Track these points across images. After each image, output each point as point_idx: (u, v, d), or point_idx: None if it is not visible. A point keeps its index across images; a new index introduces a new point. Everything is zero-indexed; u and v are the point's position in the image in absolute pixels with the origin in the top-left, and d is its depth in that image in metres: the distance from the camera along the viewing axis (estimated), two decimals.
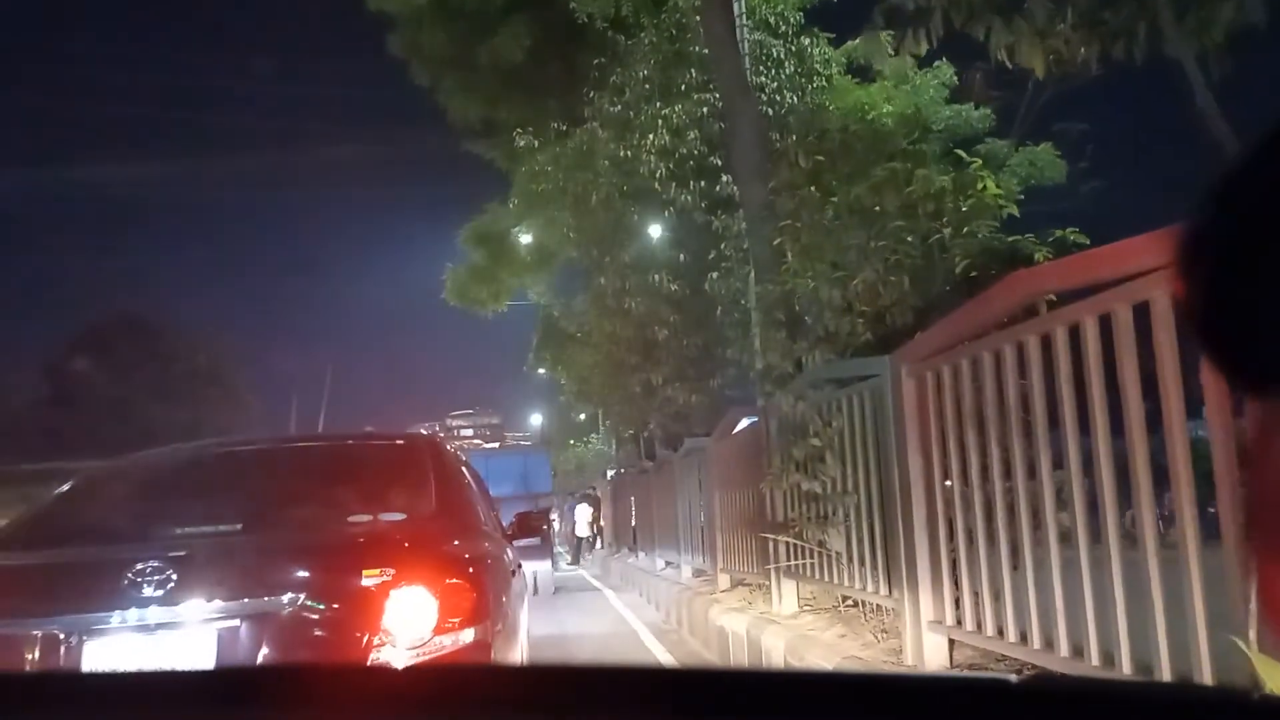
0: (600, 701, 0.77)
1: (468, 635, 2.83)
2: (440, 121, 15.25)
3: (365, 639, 2.68)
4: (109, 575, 2.68)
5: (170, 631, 2.64)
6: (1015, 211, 4.85)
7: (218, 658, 2.62)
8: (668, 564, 12.15)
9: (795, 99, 11.21)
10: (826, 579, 5.23)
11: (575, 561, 20.38)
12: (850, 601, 5.29)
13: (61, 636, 2.61)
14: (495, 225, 15.25)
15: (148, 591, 2.62)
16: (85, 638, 2.62)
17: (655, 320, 10.98)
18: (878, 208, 5.19)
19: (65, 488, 3.66)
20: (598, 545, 22.24)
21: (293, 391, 46.20)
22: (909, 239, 5.06)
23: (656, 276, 10.88)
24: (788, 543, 5.82)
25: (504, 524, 4.89)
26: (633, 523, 15.78)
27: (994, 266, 4.78)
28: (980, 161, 4.94)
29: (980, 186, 4.93)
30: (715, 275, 10.07)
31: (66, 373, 37.28)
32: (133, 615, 2.63)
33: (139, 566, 2.64)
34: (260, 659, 2.64)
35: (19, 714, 0.82)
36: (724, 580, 8.22)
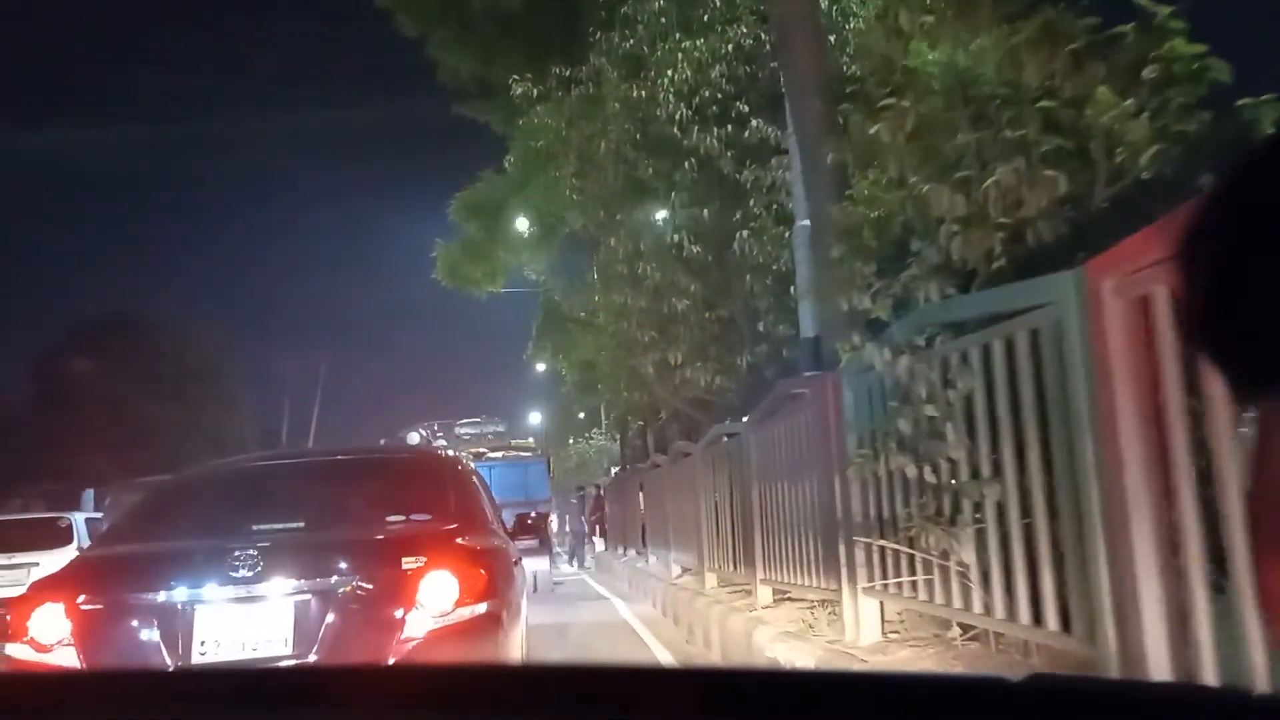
0: (600, 701, 0.77)
1: (481, 608, 3.43)
2: (439, 107, 13.77)
3: (404, 611, 3.33)
4: (213, 560, 3.40)
5: (259, 603, 3.34)
6: (1225, 77, 3.38)
7: (294, 623, 3.32)
8: (685, 570, 10.70)
9: (832, 40, 9.72)
10: (941, 601, 3.75)
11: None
12: (969, 633, 3.83)
13: (179, 606, 3.31)
14: (490, 195, 13.76)
15: (242, 573, 3.33)
16: (196, 607, 3.31)
17: (673, 290, 9.47)
18: (1003, 93, 3.73)
19: (155, 492, 4.47)
20: (600, 546, 20.82)
21: (285, 390, 45.12)
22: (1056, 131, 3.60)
23: (675, 237, 9.37)
24: (876, 549, 4.37)
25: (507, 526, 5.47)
26: (641, 523, 14.31)
27: (1197, 155, 3.32)
28: (1168, 10, 3.46)
29: (1166, 47, 3.46)
30: (745, 234, 8.59)
31: (54, 370, 36.24)
32: (231, 590, 3.34)
33: (236, 553, 3.36)
34: (325, 624, 3.30)
35: (47, 713, 0.86)
36: (765, 594, 6.75)
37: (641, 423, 14.77)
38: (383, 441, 25.29)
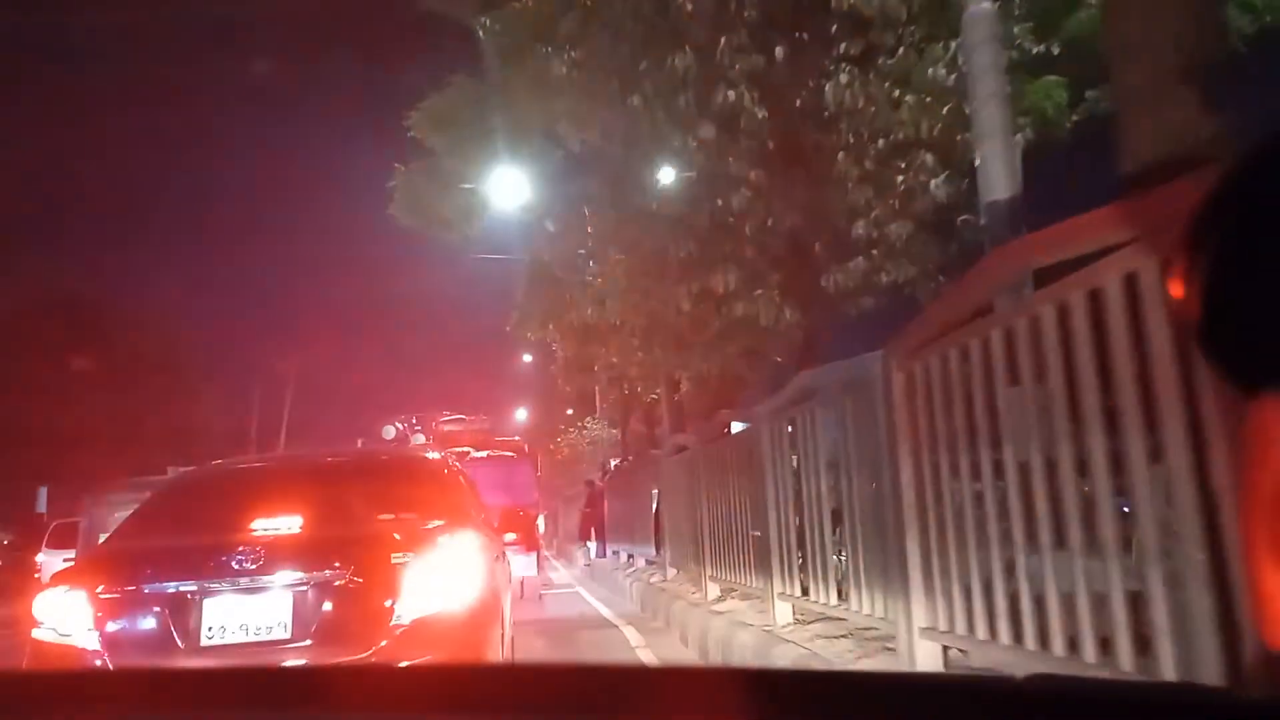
0: (599, 701, 0.77)
1: (464, 599, 3.78)
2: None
3: (391, 601, 3.62)
4: (219, 554, 3.71)
5: (261, 593, 3.62)
6: None
7: (293, 611, 3.60)
8: (728, 593, 7.73)
9: None
10: None
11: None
12: None
13: (189, 596, 3.60)
14: (462, 104, 10.70)
15: (246, 566, 3.63)
16: (204, 597, 3.60)
17: (722, 183, 6.40)
18: None
19: (163, 490, 4.81)
20: (594, 552, 17.86)
21: (254, 382, 42.62)
22: None
23: (729, 95, 6.26)
24: None
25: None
26: (654, 525, 11.32)
27: None
28: None
29: None
30: (843, 78, 5.58)
31: None
32: (236, 581, 3.62)
33: (240, 548, 3.68)
34: (321, 612, 3.59)
35: (41, 713, 0.89)
36: (928, 652, 3.77)
37: (655, 395, 11.71)
38: (360, 442, 23.16)
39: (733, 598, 7.65)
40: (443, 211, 11.54)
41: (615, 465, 18.71)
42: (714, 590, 8.02)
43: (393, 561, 3.66)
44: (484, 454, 20.30)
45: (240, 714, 0.84)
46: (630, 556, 13.52)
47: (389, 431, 31.15)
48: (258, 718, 0.84)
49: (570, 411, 33.64)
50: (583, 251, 9.87)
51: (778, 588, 5.88)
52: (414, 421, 29.48)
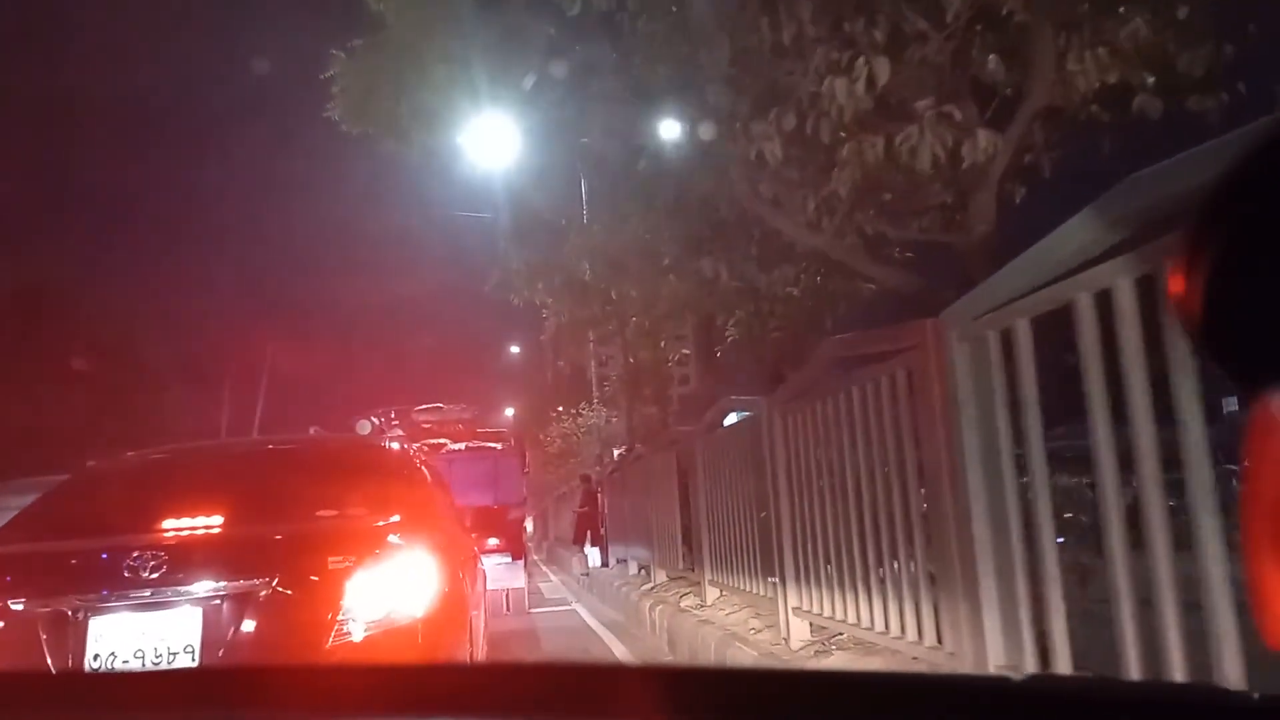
0: (594, 701, 0.74)
1: (418, 613, 3.19)
2: None
3: (329, 615, 3.06)
4: (111, 560, 3.09)
5: (163, 609, 3.03)
6: None
7: (202, 630, 2.99)
8: (830, 637, 4.83)
9: None
10: None
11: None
12: None
13: (70, 614, 3.01)
14: None
15: (144, 575, 3.02)
16: (90, 614, 3.02)
17: None
18: None
19: (60, 485, 4.05)
20: (594, 560, 15.03)
21: (225, 374, 40.45)
22: None
23: None
24: None
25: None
26: (680, 530, 8.39)
27: None
28: None
29: None
30: None
31: None
32: (131, 595, 3.03)
33: (136, 553, 3.05)
34: (236, 631, 3.00)
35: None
36: None
37: (685, 351, 8.79)
38: (312, 430, 19.97)
39: (839, 646, 4.77)
40: (395, 110, 8.55)
41: (619, 454, 15.86)
42: (801, 630, 5.13)
43: (330, 568, 3.13)
44: (461, 446, 17.67)
45: (224, 713, 0.79)
46: (644, 569, 10.59)
47: (364, 427, 28.05)
48: (236, 717, 0.78)
49: (560, 409, 31.25)
50: (585, 140, 6.99)
51: (1001, 657, 2.96)
52: (391, 415, 26.65)
